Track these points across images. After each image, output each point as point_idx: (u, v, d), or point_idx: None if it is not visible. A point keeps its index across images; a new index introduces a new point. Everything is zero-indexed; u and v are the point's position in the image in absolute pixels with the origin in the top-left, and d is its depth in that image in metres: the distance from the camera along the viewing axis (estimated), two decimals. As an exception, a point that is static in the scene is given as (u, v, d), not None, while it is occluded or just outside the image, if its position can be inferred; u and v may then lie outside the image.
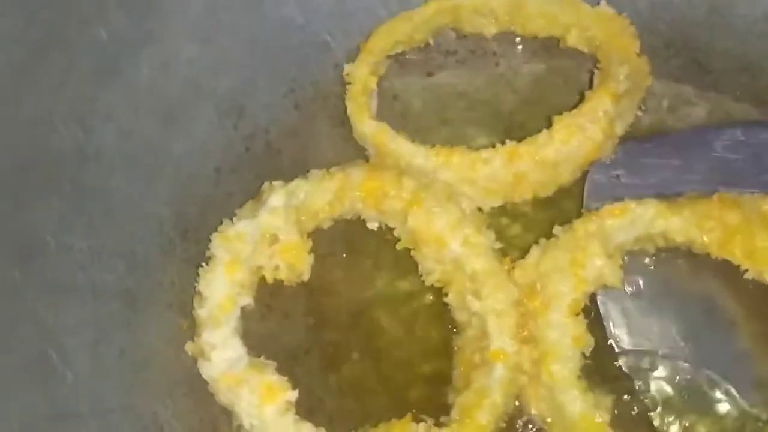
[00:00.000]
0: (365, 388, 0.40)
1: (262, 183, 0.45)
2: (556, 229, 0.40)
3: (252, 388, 0.37)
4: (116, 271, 0.39)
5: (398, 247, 0.41)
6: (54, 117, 0.39)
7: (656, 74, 0.47)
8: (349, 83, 0.46)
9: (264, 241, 0.40)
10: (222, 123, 0.46)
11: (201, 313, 0.39)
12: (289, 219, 0.40)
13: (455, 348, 0.40)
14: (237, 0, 0.47)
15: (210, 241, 0.42)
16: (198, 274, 0.41)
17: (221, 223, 0.43)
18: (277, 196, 0.41)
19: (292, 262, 0.40)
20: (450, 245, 0.39)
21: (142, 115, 0.43)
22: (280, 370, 0.38)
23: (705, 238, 0.39)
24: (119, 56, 0.43)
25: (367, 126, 0.44)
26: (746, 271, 0.39)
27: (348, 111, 0.45)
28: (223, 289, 0.39)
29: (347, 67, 0.46)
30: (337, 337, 0.41)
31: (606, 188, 0.43)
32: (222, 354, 0.37)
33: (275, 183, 0.42)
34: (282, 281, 0.40)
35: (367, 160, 0.45)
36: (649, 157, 0.44)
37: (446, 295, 0.40)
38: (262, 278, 0.40)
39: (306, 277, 0.41)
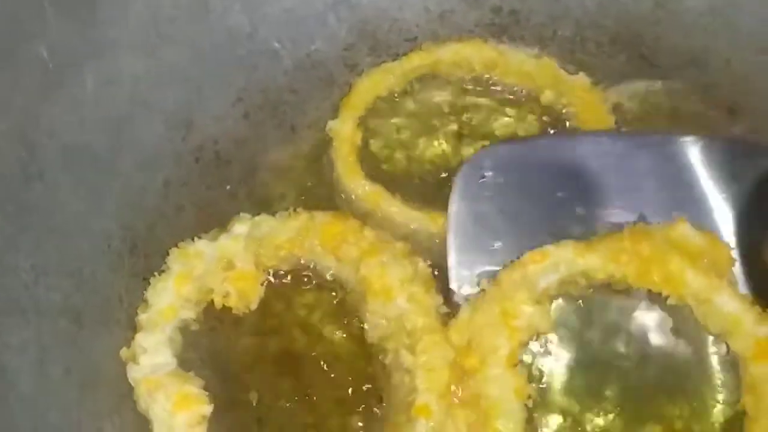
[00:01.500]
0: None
1: (213, 194, 0.46)
2: (483, 283, 0.40)
3: (168, 394, 0.37)
4: (62, 288, 0.39)
5: (347, 297, 0.42)
6: (-5, 135, 0.40)
7: (603, 69, 0.48)
8: (333, 139, 0.46)
9: (220, 264, 0.41)
10: (170, 135, 0.46)
11: (141, 318, 0.39)
12: (249, 249, 0.41)
13: (384, 405, 0.40)
14: (181, 11, 0.47)
15: (159, 255, 0.43)
16: (147, 287, 0.42)
17: (171, 237, 0.44)
18: (241, 225, 0.42)
19: (244, 290, 0.40)
20: (396, 300, 0.39)
21: (87, 130, 0.43)
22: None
23: (623, 272, 0.39)
24: (62, 72, 0.43)
25: (360, 188, 0.44)
26: (668, 297, 0.39)
27: (337, 171, 0.45)
28: (167, 299, 0.39)
29: (330, 123, 0.46)
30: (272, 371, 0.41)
31: (474, 188, 0.42)
32: (150, 359, 0.38)
33: (242, 214, 0.42)
34: (229, 308, 0.41)
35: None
36: (521, 160, 0.43)
37: (384, 355, 0.40)
38: (211, 301, 0.41)
39: (253, 307, 0.41)
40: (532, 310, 0.38)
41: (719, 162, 0.41)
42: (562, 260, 0.39)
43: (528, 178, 0.42)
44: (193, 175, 0.46)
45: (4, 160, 0.40)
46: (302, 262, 0.42)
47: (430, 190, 0.45)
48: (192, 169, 0.46)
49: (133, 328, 0.40)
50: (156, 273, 0.42)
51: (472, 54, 0.47)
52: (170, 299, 0.39)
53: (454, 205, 0.42)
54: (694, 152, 0.42)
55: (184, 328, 0.40)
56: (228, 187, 0.46)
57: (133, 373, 0.38)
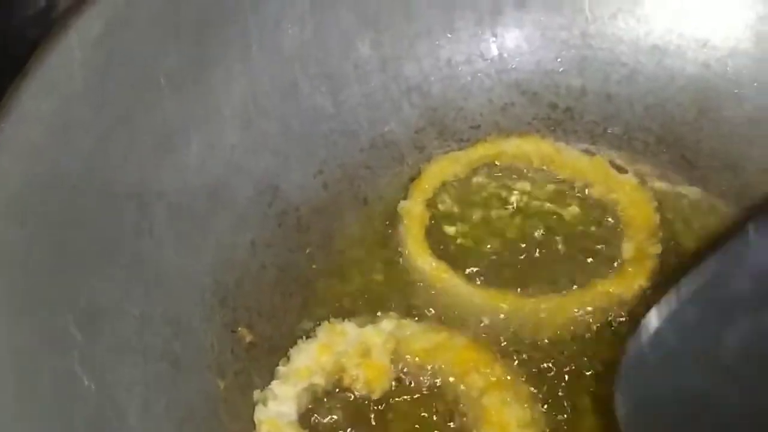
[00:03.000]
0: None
1: (293, 257, 0.51)
2: None
3: None
4: (163, 335, 0.44)
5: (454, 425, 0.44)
6: (116, 195, 0.45)
7: (648, 167, 0.53)
8: (404, 218, 0.50)
9: (359, 349, 0.45)
10: (258, 200, 0.51)
11: (281, 369, 0.45)
12: (387, 345, 0.45)
13: None
14: (275, 89, 0.52)
15: (244, 308, 0.48)
16: (233, 339, 0.46)
17: (255, 293, 0.49)
18: (389, 322, 0.46)
19: (372, 379, 0.45)
20: None
21: (189, 192, 0.48)
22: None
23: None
24: (171, 139, 0.48)
25: (428, 264, 0.49)
26: None
27: (408, 249, 0.50)
28: (306, 361, 0.45)
29: (402, 204, 0.51)
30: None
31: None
32: (277, 405, 0.43)
33: (392, 313, 0.47)
34: (352, 392, 0.45)
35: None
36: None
37: None
38: (339, 379, 0.45)
39: (375, 396, 0.45)
40: None
41: None
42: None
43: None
44: (276, 238, 0.51)
45: (120, 216, 0.45)
46: (429, 373, 0.46)
47: (494, 267, 0.50)
48: (275, 232, 0.51)
49: (222, 375, 0.45)
50: (242, 326, 0.47)
51: (531, 149, 0.53)
52: (309, 362, 0.44)
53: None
54: None
55: (311, 392, 0.44)
56: (307, 251, 0.51)
57: (260, 414, 0.43)
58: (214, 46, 0.49)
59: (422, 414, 0.45)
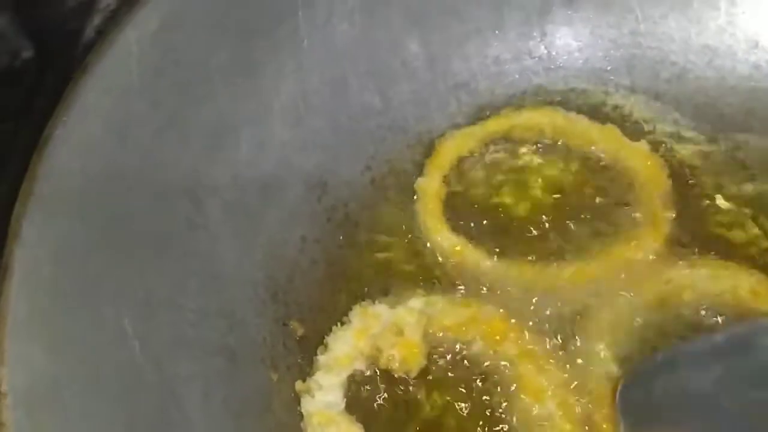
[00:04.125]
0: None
1: (341, 252, 0.51)
2: None
3: (339, 429, 0.42)
4: (219, 329, 0.44)
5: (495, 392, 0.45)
6: (171, 190, 0.45)
7: (700, 167, 0.53)
8: (421, 195, 0.51)
9: (392, 329, 0.46)
10: (308, 196, 0.51)
11: (321, 359, 0.45)
12: (419, 322, 0.46)
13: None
14: (325, 86, 0.53)
15: (295, 303, 0.48)
16: (285, 333, 0.47)
17: (305, 288, 0.49)
18: (417, 300, 0.47)
19: (408, 357, 0.45)
20: (547, 402, 0.43)
21: (241, 188, 0.48)
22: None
23: None
24: (222, 135, 0.49)
25: (446, 240, 0.50)
26: None
27: (425, 225, 0.50)
28: (345, 348, 0.45)
29: (419, 181, 0.52)
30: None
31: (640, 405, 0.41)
32: (324, 395, 0.43)
33: (418, 291, 0.48)
34: (391, 371, 0.45)
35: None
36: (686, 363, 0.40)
37: None
38: (376, 361, 0.46)
39: (412, 375, 0.45)
40: None
41: None
42: None
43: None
44: (325, 233, 0.51)
45: (175, 211, 0.45)
46: (462, 346, 0.46)
47: (512, 238, 0.50)
48: (324, 228, 0.51)
49: (276, 368, 0.45)
50: (294, 319, 0.48)
51: (545, 120, 0.53)
52: (348, 349, 0.45)
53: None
54: None
55: (353, 378, 0.45)
56: (355, 245, 0.51)
57: (308, 406, 0.43)
58: (266, 44, 0.50)
59: (460, 388, 0.45)
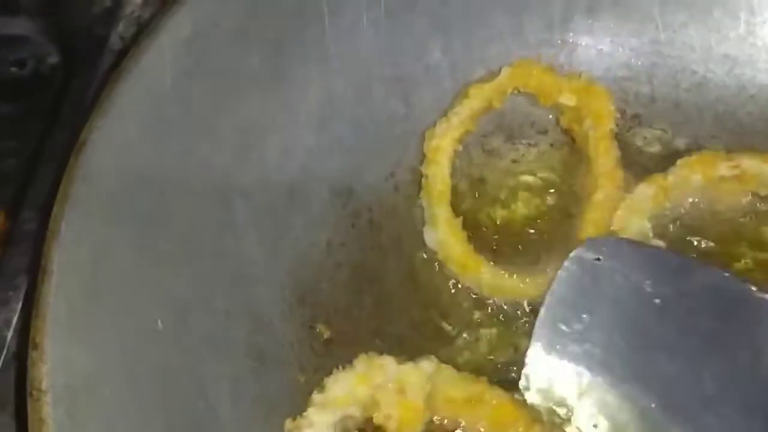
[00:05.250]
0: None
1: (365, 256, 0.52)
2: None
3: None
4: (247, 331, 0.45)
5: None
6: (201, 193, 0.46)
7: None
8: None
9: (395, 385, 0.44)
10: (333, 201, 0.52)
11: (317, 397, 0.44)
12: (424, 387, 0.44)
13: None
14: (350, 92, 0.53)
15: (321, 307, 0.49)
16: (312, 335, 0.48)
17: (331, 291, 0.50)
18: (429, 364, 0.45)
19: (405, 420, 0.44)
20: None
21: (269, 193, 0.49)
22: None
23: None
24: (250, 141, 0.49)
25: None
26: None
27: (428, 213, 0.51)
28: (343, 390, 0.44)
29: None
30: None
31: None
32: None
33: (431, 357, 0.46)
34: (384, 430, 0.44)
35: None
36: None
37: None
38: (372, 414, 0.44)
39: None
40: None
41: None
42: None
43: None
44: (350, 238, 0.52)
45: (205, 213, 0.46)
46: (462, 425, 0.45)
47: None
48: (349, 233, 0.52)
49: (303, 370, 0.46)
50: (320, 322, 0.48)
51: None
52: (345, 393, 0.44)
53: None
54: None
55: (344, 422, 0.44)
56: (379, 250, 0.52)
57: None
58: (293, 51, 0.51)
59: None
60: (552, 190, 0.54)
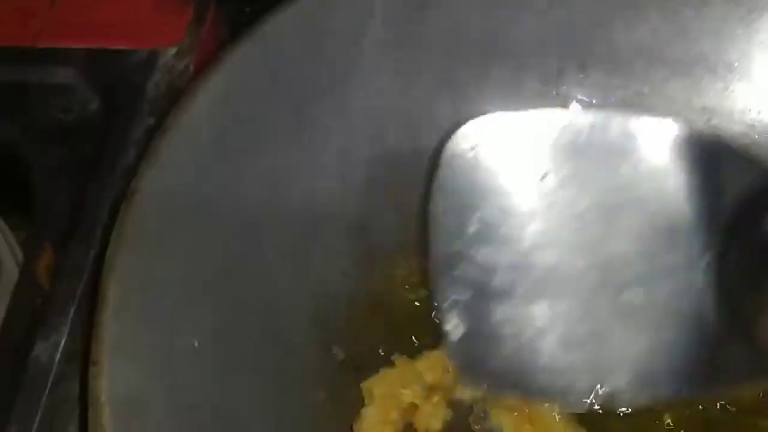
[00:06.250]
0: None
1: (381, 285, 0.58)
2: None
3: None
4: (275, 354, 0.51)
5: None
6: (234, 228, 0.53)
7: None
8: None
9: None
10: (349, 236, 0.58)
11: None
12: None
13: None
14: (366, 141, 0.60)
15: (337, 333, 0.55)
16: (329, 357, 0.54)
17: (347, 318, 0.56)
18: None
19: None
20: None
21: (293, 231, 0.56)
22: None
23: None
24: (278, 186, 0.56)
25: None
26: None
27: None
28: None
29: None
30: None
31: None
32: None
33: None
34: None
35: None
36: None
37: None
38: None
39: None
40: None
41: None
42: None
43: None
44: (364, 270, 0.58)
45: (237, 249, 0.53)
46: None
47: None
48: (364, 266, 0.58)
49: (322, 387, 0.52)
50: (336, 345, 0.55)
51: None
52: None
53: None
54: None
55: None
56: (391, 282, 0.58)
57: None
58: (316, 107, 0.57)
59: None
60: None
